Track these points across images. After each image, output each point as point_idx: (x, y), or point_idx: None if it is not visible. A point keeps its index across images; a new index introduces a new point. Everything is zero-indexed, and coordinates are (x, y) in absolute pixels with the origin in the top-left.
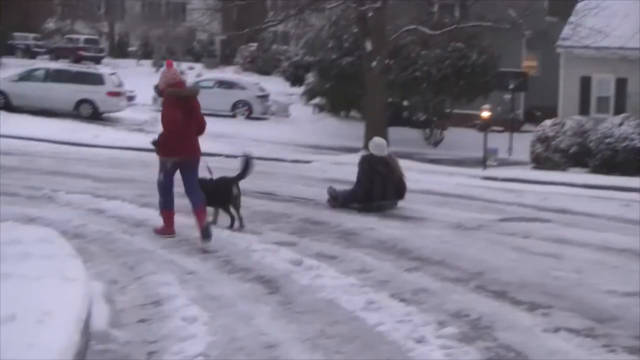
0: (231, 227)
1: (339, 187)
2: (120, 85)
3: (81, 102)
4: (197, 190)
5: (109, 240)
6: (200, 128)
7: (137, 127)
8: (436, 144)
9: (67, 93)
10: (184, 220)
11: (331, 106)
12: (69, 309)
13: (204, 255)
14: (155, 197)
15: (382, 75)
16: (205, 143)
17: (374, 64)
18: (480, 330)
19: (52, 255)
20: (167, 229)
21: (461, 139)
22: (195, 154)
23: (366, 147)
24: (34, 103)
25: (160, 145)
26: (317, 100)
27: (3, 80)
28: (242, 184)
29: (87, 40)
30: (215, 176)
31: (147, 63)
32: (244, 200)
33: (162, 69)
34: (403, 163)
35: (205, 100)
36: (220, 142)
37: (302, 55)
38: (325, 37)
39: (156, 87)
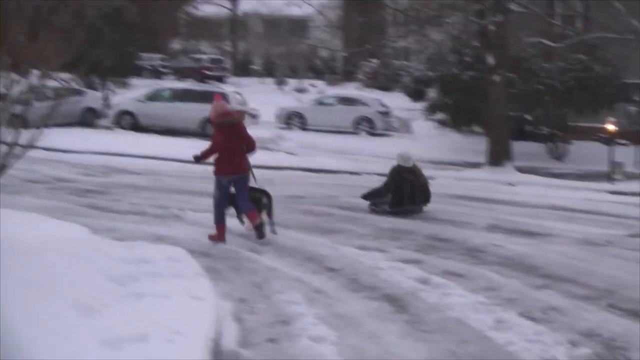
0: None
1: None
2: (244, 103)
3: (206, 120)
4: (247, 200)
5: (236, 259)
6: (250, 147)
7: (260, 145)
8: (560, 157)
9: (193, 112)
10: (308, 238)
11: (453, 121)
12: (198, 328)
13: (331, 274)
14: (279, 215)
15: (504, 89)
16: (327, 159)
17: (496, 77)
18: (614, 350)
19: (181, 274)
20: (219, 237)
21: (585, 153)
22: (243, 171)
23: (488, 161)
24: (160, 122)
25: (199, 159)
26: (438, 115)
27: (131, 101)
28: None
29: (211, 60)
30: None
31: (269, 81)
32: (372, 218)
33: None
34: (527, 177)
35: (327, 117)
36: (342, 159)
37: (423, 70)
38: (446, 51)
39: (208, 118)
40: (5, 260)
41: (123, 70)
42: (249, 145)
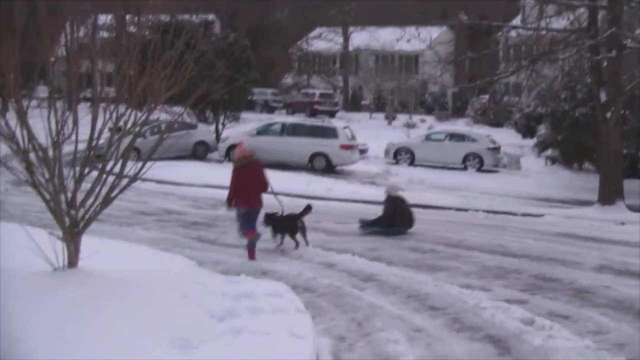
0: (296, 248)
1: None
2: (353, 138)
3: (315, 155)
4: (252, 226)
5: (338, 295)
6: (262, 187)
7: (369, 179)
8: None
9: (303, 146)
10: (412, 275)
11: (564, 158)
12: None
13: (433, 312)
14: (384, 251)
15: (618, 126)
16: (434, 195)
17: (609, 114)
18: None
19: (281, 310)
20: (252, 257)
21: None
22: (255, 206)
23: (600, 199)
24: (270, 156)
25: (228, 200)
26: (549, 151)
27: (241, 135)
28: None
29: (322, 95)
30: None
31: (379, 116)
32: (477, 255)
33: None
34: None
35: (436, 153)
36: (451, 195)
37: (534, 106)
38: (558, 87)
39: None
40: (113, 292)
41: (235, 104)
42: (261, 185)
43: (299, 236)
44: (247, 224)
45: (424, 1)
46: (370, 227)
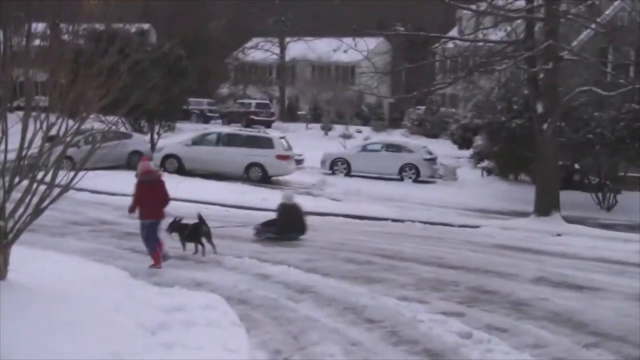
0: (195, 252)
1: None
2: (289, 148)
3: (251, 165)
4: (155, 238)
5: (274, 307)
6: (164, 201)
7: (304, 190)
8: (609, 208)
9: (238, 157)
10: (348, 287)
11: (500, 169)
12: None
13: (369, 325)
14: (320, 262)
15: (554, 138)
16: (371, 206)
17: (545, 126)
18: None
19: (215, 323)
20: (157, 263)
21: (636, 203)
22: (158, 218)
23: (536, 210)
24: (205, 166)
25: (131, 211)
26: (485, 163)
27: (176, 144)
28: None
29: (258, 105)
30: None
31: (316, 126)
32: (414, 267)
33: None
34: (575, 228)
35: (373, 163)
36: (387, 205)
37: (470, 117)
38: (495, 99)
39: (135, 174)
40: (42, 304)
41: (171, 114)
42: (164, 199)
43: (204, 241)
44: (151, 234)
45: (361, 12)
46: (264, 232)
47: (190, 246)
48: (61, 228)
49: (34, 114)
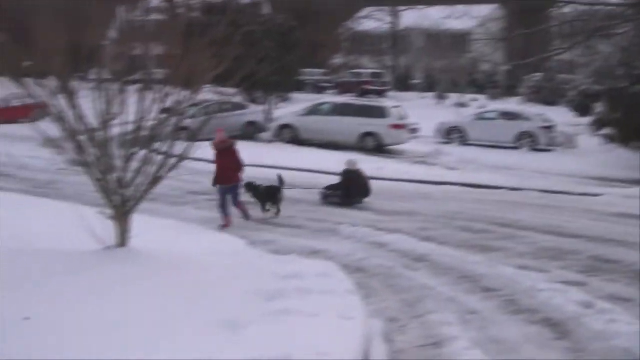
0: (268, 210)
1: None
2: (403, 118)
3: (365, 135)
4: (230, 203)
5: (390, 276)
6: (239, 167)
7: (420, 159)
8: None
9: (352, 126)
10: (465, 256)
11: (621, 137)
12: (345, 350)
13: (487, 294)
14: (436, 231)
15: None
16: (487, 175)
17: None
18: None
19: (331, 291)
20: (227, 225)
21: None
22: (234, 182)
23: None
24: (320, 136)
25: (215, 184)
26: (606, 130)
27: (291, 115)
28: None
29: (372, 74)
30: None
31: (430, 96)
32: (532, 236)
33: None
34: None
35: (488, 132)
36: (504, 174)
37: (589, 84)
38: (615, 64)
39: (212, 145)
40: (161, 270)
41: (285, 85)
42: (239, 165)
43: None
44: (226, 200)
45: None
46: (330, 197)
47: (267, 206)
48: (180, 197)
49: (151, 86)
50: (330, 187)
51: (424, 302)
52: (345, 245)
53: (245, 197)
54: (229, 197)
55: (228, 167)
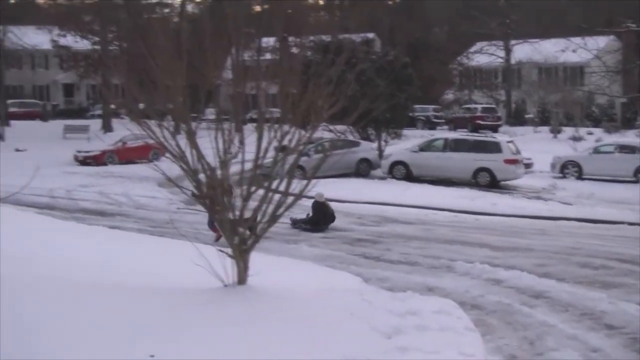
0: None
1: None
2: (517, 152)
3: (479, 170)
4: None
5: (508, 312)
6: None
7: (534, 194)
8: None
9: (465, 162)
10: (584, 292)
11: None
12: None
13: (609, 331)
14: (553, 267)
15: None
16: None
17: None
18: None
19: (449, 328)
20: (219, 237)
21: None
22: None
23: None
24: (432, 172)
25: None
26: None
27: (404, 151)
28: None
29: (484, 109)
30: None
31: (544, 130)
32: None
33: None
34: None
35: (606, 166)
36: (622, 209)
37: None
38: None
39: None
40: (281, 309)
41: (397, 121)
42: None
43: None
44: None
45: (587, 10)
46: (301, 224)
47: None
48: (294, 235)
49: (267, 124)
50: (301, 221)
51: (544, 339)
52: (461, 281)
53: None
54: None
55: None
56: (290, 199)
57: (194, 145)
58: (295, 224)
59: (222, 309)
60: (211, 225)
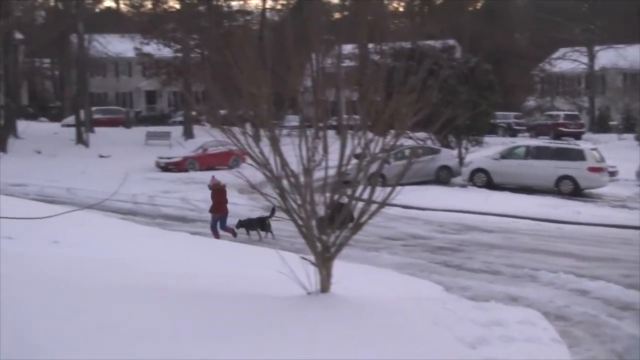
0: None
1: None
2: (601, 160)
3: (562, 178)
4: (224, 226)
5: (594, 324)
6: (226, 202)
7: (619, 203)
8: None
9: (548, 169)
10: None
11: None
12: None
13: None
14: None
15: None
16: None
17: None
18: None
19: (535, 339)
20: (216, 237)
21: None
22: (222, 212)
23: None
24: (514, 180)
25: (211, 211)
26: None
27: (485, 159)
28: None
29: (566, 116)
30: None
31: (629, 137)
32: None
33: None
34: None
35: None
36: None
37: None
38: None
39: (208, 186)
40: (364, 318)
41: (478, 128)
42: (226, 200)
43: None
44: (219, 224)
45: None
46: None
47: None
48: (375, 243)
49: (350, 132)
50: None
51: (632, 352)
52: (545, 291)
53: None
54: (219, 221)
55: (219, 202)
56: (373, 207)
57: (278, 152)
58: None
59: (305, 316)
60: (214, 229)
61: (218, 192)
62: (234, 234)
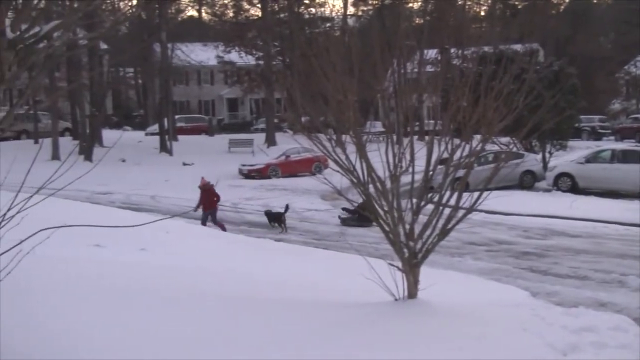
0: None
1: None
2: None
3: None
4: (215, 220)
5: None
6: (216, 199)
7: None
8: None
9: (635, 173)
10: None
11: None
12: None
13: None
14: None
15: None
16: None
17: None
18: None
19: (628, 346)
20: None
21: None
22: (211, 209)
23: None
24: (599, 184)
25: (196, 207)
26: None
27: (569, 163)
28: None
29: None
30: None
31: None
32: None
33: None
34: None
35: None
36: None
37: None
38: None
39: (198, 187)
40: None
41: (562, 132)
42: (215, 197)
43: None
44: (210, 218)
45: None
46: (350, 222)
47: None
48: (459, 248)
49: (436, 137)
50: (349, 218)
51: None
52: (635, 297)
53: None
54: (209, 216)
55: (207, 200)
56: (460, 213)
57: (364, 158)
58: (344, 221)
59: (394, 323)
60: (204, 223)
61: (207, 192)
62: (223, 229)
